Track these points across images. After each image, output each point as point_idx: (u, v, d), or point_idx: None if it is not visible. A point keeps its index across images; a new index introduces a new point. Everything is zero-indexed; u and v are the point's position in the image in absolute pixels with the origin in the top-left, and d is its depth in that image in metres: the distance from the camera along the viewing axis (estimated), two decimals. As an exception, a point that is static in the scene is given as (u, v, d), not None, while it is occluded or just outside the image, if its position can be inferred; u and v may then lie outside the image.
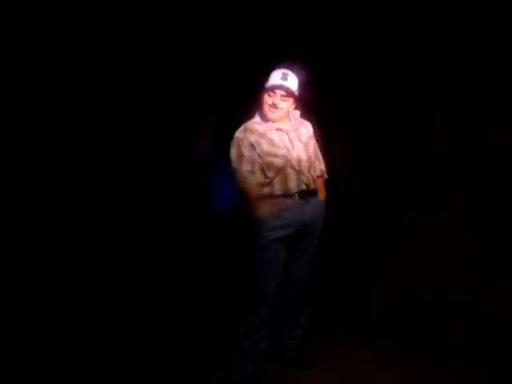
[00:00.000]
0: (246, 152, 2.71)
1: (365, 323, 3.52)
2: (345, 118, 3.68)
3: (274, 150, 2.73)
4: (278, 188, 2.74)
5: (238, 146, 2.73)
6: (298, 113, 2.92)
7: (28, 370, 2.98)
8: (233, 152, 2.74)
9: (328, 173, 3.00)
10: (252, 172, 2.70)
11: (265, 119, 2.79)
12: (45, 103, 3.87)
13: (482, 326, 3.07)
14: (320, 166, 2.94)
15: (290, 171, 2.75)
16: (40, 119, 3.86)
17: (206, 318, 3.72)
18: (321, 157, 2.97)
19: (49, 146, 3.92)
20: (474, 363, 2.98)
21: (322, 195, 2.92)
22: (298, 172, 2.77)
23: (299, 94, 2.80)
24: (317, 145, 2.96)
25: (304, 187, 2.78)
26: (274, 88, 2.72)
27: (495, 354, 2.99)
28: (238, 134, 2.77)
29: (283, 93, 2.72)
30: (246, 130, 2.77)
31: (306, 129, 2.91)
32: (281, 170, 2.73)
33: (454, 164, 3.12)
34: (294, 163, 2.76)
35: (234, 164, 2.73)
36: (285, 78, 2.72)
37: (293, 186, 2.76)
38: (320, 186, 2.91)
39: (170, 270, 4.33)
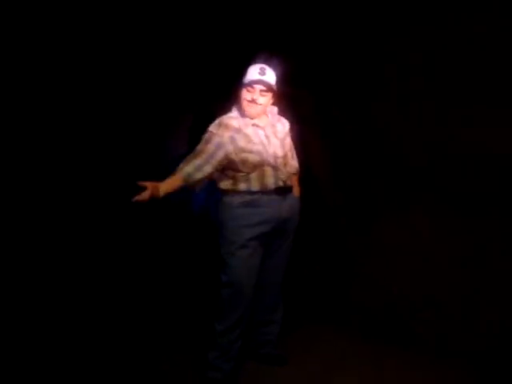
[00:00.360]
0: (211, 149, 2.65)
1: (343, 318, 3.54)
2: (320, 114, 3.70)
3: (249, 146, 2.72)
4: (255, 184, 2.72)
5: (206, 142, 2.68)
6: (275, 109, 2.91)
7: (20, 367, 2.92)
8: (199, 146, 2.70)
9: (302, 169, 2.99)
10: (197, 168, 2.60)
11: (242, 114, 2.77)
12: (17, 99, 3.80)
13: (454, 319, 3.13)
14: (294, 163, 2.95)
15: (267, 168, 2.74)
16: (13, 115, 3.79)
17: (183, 315, 3.68)
18: (295, 154, 2.98)
19: (22, 143, 3.85)
20: (430, 354, 3.08)
21: (296, 191, 2.93)
22: (275, 168, 2.76)
23: (277, 89, 2.79)
24: (291, 142, 2.97)
25: (281, 184, 2.78)
26: (252, 83, 2.70)
27: (447, 341, 3.11)
28: (212, 128, 2.74)
29: (262, 87, 2.71)
30: (220, 124, 2.74)
31: (283, 125, 2.91)
32: (256, 167, 2.71)
33: (429, 161, 3.18)
34: (271, 160, 2.75)
35: (193, 153, 2.68)
36: (263, 72, 2.70)
37: (270, 182, 2.75)
38: (294, 182, 2.92)
39: (147, 268, 4.29)
